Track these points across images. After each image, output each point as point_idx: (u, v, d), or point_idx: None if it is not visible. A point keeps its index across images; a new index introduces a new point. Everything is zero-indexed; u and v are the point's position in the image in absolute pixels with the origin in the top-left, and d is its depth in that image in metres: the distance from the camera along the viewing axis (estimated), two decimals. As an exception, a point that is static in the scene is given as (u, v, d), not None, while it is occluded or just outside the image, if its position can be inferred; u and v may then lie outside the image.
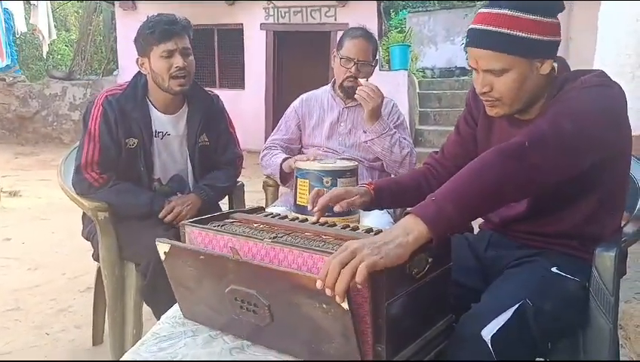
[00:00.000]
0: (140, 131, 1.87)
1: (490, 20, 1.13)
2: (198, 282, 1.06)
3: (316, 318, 0.89)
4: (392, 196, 1.43)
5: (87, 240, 2.01)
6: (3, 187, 5.22)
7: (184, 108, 1.98)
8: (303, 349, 0.96)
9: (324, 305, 0.86)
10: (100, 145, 1.83)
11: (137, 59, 1.87)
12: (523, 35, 1.11)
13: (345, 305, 0.82)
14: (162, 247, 1.06)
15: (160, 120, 1.93)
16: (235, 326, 1.05)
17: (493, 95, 1.19)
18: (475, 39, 1.17)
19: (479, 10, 1.19)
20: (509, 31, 1.11)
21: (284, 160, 2.08)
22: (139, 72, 1.91)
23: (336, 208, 1.31)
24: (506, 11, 1.12)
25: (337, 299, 0.82)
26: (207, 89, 2.09)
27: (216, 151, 2.06)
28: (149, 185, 1.94)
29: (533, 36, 1.12)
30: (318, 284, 0.83)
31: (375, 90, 1.86)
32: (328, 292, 0.82)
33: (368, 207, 1.41)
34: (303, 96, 2.28)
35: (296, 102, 2.26)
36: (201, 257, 1.01)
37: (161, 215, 1.85)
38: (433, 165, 1.51)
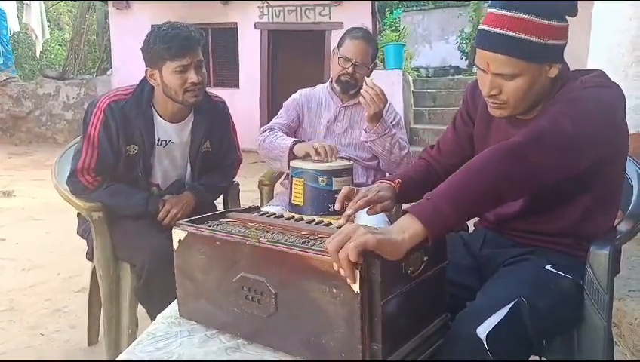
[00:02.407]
0: (142, 139, 1.84)
1: (506, 23, 1.11)
2: (207, 272, 1.07)
3: (323, 304, 0.90)
4: (409, 192, 1.41)
5: (82, 238, 2.00)
6: (-4, 187, 5.20)
7: (190, 116, 1.94)
8: (301, 344, 0.96)
9: (334, 290, 0.88)
10: (98, 152, 1.81)
11: (146, 70, 1.80)
12: (539, 40, 1.10)
13: (356, 288, 0.85)
14: (178, 235, 1.09)
15: (164, 128, 1.89)
16: (233, 323, 1.05)
17: (501, 98, 1.18)
18: (489, 42, 1.14)
19: (490, 10, 1.16)
20: (525, 36, 1.10)
21: (297, 142, 1.93)
22: (145, 77, 1.85)
23: (370, 211, 1.32)
24: (522, 15, 1.10)
25: (349, 280, 0.85)
26: (211, 94, 2.04)
27: (217, 156, 2.05)
28: (147, 190, 1.92)
29: (548, 41, 1.11)
30: (335, 266, 0.86)
31: (379, 95, 1.81)
32: (343, 272, 0.85)
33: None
34: (302, 91, 2.26)
35: (296, 95, 2.24)
36: (218, 243, 1.04)
37: (159, 217, 1.85)
38: (429, 160, 1.51)
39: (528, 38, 1.10)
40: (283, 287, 0.96)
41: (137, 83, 1.87)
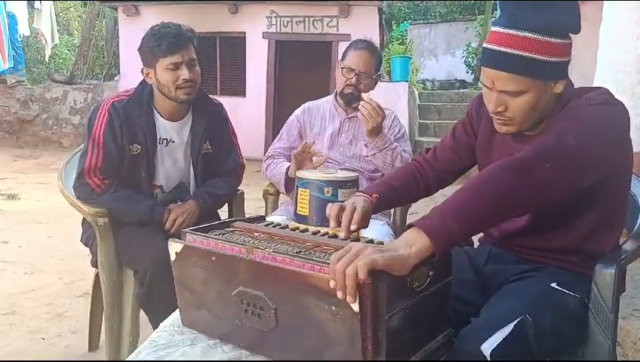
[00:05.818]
0: (145, 138, 1.87)
1: (510, 42, 1.12)
2: (206, 284, 1.06)
3: (323, 321, 0.89)
4: (388, 201, 1.44)
5: (85, 246, 2.00)
6: (1, 190, 5.21)
7: (189, 115, 1.99)
8: (303, 358, 0.95)
9: (333, 307, 0.87)
10: (104, 152, 1.83)
11: (142, 69, 1.87)
12: (543, 58, 1.11)
13: (355, 307, 0.84)
14: (174, 248, 1.08)
15: (164, 127, 1.93)
16: (235, 334, 1.05)
17: (507, 115, 1.19)
18: (493, 60, 1.16)
19: (493, 28, 1.18)
20: (529, 54, 1.11)
21: (289, 167, 2.04)
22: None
23: (353, 227, 1.31)
24: (526, 33, 1.11)
25: (348, 298, 0.83)
26: (209, 96, 2.10)
27: (218, 159, 2.07)
28: (150, 192, 1.94)
29: (552, 59, 1.12)
30: (332, 284, 0.84)
31: (377, 109, 1.83)
32: (340, 294, 0.83)
33: None
34: (306, 105, 2.29)
35: (298, 111, 2.27)
36: (213, 258, 1.02)
37: (165, 227, 1.86)
38: (422, 164, 1.51)
39: (532, 55, 1.11)
40: (282, 303, 0.94)
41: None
